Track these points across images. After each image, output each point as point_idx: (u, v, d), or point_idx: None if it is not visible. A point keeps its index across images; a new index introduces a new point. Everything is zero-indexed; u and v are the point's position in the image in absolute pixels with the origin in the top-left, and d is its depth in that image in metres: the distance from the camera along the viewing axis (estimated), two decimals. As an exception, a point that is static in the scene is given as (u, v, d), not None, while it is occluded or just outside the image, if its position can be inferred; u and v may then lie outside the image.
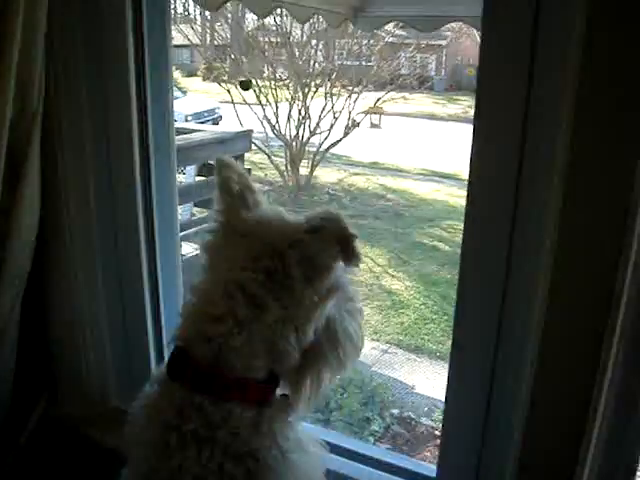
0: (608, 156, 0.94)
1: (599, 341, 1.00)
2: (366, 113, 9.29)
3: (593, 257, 0.98)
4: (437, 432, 4.63)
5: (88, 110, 1.50)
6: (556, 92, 1.00)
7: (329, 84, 8.48)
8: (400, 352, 5.48)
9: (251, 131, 6.04)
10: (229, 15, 9.00)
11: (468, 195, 1.15)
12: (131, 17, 1.41)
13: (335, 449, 1.44)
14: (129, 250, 1.60)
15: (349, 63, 9.02)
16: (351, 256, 0.96)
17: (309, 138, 8.59)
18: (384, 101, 9.27)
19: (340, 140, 8.67)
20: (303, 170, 8.98)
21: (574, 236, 0.99)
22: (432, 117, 14.14)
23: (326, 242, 0.95)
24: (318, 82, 8.57)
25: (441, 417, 4.42)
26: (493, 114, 1.10)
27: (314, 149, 8.79)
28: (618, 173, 0.93)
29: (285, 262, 0.96)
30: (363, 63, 9.09)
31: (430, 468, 1.40)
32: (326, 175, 9.78)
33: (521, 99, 1.06)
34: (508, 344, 1.19)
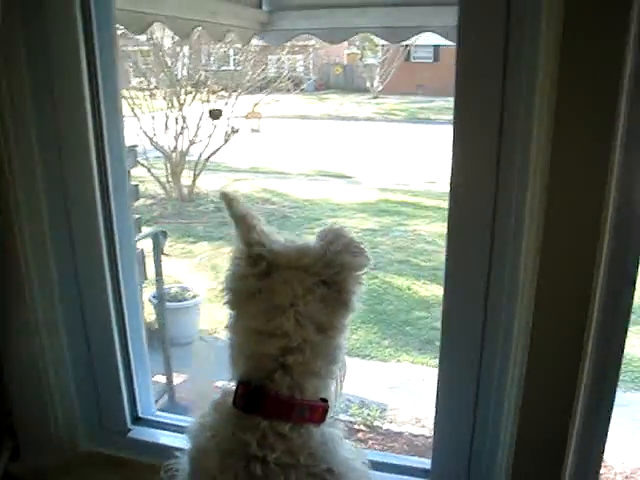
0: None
1: (578, 353, 1.15)
2: (245, 118, 9.29)
3: (572, 265, 1.11)
4: (356, 426, 4.78)
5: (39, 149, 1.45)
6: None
7: (205, 91, 8.38)
8: (308, 352, 5.53)
9: (136, 146, 5.86)
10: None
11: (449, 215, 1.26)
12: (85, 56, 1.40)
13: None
14: (91, 279, 1.55)
15: (225, 69, 8.97)
16: (366, 258, 1.10)
17: (189, 148, 8.44)
18: (261, 105, 9.31)
19: (220, 147, 8.60)
20: (185, 180, 8.83)
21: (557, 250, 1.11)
22: (305, 117, 14.39)
23: (347, 252, 1.07)
24: (193, 89, 8.44)
25: (357, 412, 4.60)
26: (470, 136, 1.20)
27: (194, 158, 8.66)
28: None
29: (331, 283, 1.06)
30: (238, 68, 9.07)
31: (423, 461, 1.48)
32: (208, 184, 9.67)
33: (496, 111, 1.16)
34: (492, 352, 1.31)
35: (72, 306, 1.57)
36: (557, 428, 1.21)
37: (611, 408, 1.24)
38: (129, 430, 1.65)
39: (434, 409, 1.41)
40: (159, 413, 1.74)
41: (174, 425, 1.68)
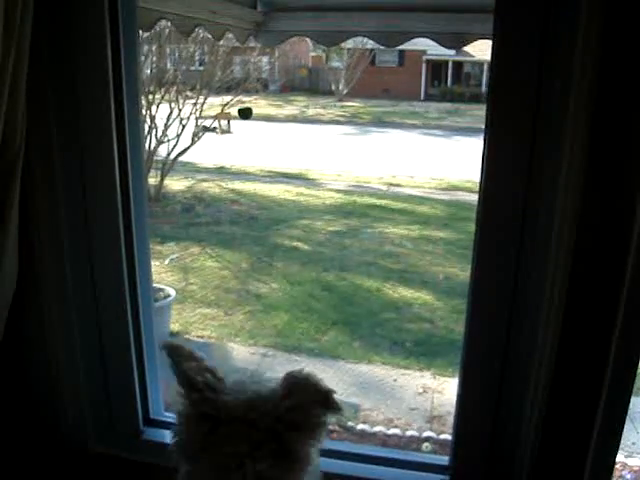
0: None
1: (605, 351, 1.18)
2: (214, 119, 9.23)
3: (602, 258, 1.14)
4: (330, 427, 4.80)
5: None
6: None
7: (173, 91, 8.29)
8: (279, 354, 5.53)
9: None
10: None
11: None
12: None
13: (346, 456, 1.53)
14: (108, 279, 1.53)
15: (192, 69, 8.89)
16: (334, 409, 1.02)
17: (156, 147, 8.34)
18: (231, 105, 9.26)
19: (189, 147, 8.53)
20: (151, 180, 8.72)
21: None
22: (269, 119, 14.39)
23: (308, 404, 1.00)
24: (159, 89, 8.34)
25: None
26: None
27: (161, 158, 8.57)
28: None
29: (283, 440, 0.98)
30: (199, 68, 9.01)
31: (440, 458, 1.51)
32: (175, 184, 9.59)
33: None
34: (517, 345, 1.34)
35: (87, 307, 1.55)
36: (581, 425, 1.23)
37: (626, 413, 1.26)
38: (141, 432, 1.64)
39: (455, 404, 1.44)
40: (168, 414, 1.73)
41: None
